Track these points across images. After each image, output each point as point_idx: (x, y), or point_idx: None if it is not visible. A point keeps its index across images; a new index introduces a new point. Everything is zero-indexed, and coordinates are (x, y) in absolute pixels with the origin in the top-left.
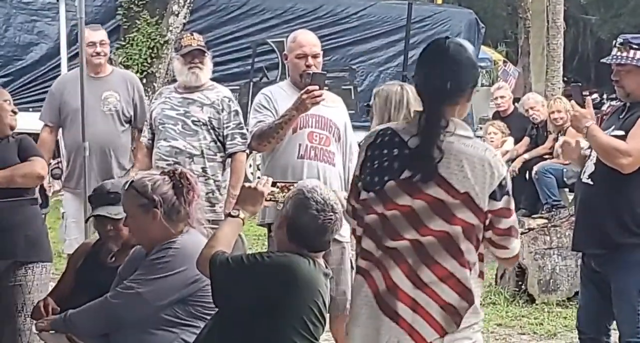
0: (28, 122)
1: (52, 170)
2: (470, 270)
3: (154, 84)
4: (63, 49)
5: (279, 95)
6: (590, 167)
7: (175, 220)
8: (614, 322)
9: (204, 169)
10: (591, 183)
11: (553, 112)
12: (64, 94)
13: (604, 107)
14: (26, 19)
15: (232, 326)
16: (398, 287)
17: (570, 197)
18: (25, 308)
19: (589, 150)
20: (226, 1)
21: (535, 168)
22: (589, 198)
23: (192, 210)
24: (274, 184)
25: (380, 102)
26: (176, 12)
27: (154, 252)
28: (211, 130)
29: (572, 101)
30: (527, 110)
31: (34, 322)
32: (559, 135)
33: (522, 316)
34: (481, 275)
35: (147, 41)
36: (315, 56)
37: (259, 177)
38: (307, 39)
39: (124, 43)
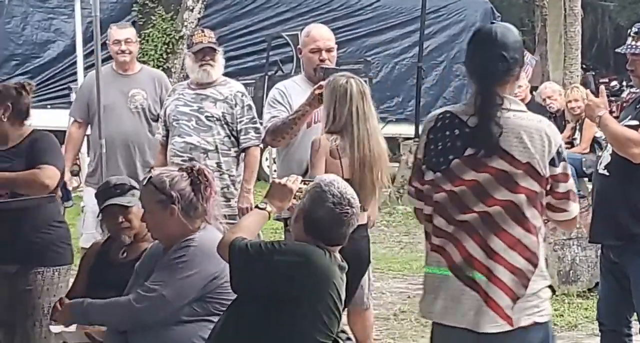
0: (46, 119)
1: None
2: (537, 235)
3: (170, 79)
4: (79, 46)
5: (293, 90)
6: (606, 157)
7: (192, 217)
8: (635, 314)
9: (218, 164)
10: (607, 174)
11: (570, 101)
12: (92, 90)
13: (624, 95)
14: (43, 17)
15: (247, 314)
16: (473, 257)
17: (590, 186)
18: (35, 313)
19: (605, 140)
20: None
21: None
22: (605, 189)
23: (210, 206)
24: (303, 182)
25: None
26: (191, 7)
27: (173, 251)
28: (225, 126)
29: (588, 90)
30: (544, 100)
31: (49, 324)
32: (577, 124)
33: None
34: (545, 239)
35: (163, 37)
36: (329, 50)
37: (275, 171)
38: (321, 33)
39: (139, 39)
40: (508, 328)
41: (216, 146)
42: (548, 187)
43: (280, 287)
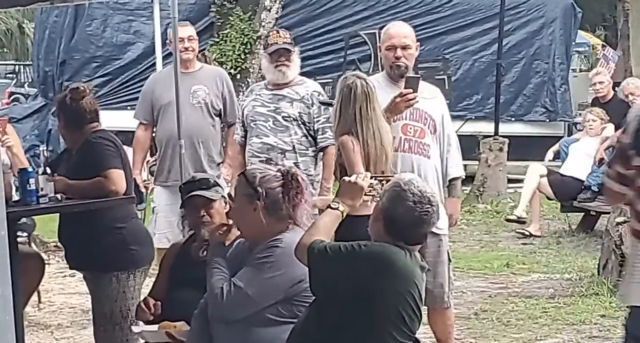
0: (126, 120)
1: (150, 167)
2: None
3: (248, 79)
4: (158, 47)
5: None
6: None
7: (274, 217)
8: None
9: (296, 164)
10: None
11: None
12: (154, 91)
13: None
14: (123, 19)
15: (328, 315)
16: None
17: None
18: (114, 317)
19: None
20: None
21: None
22: None
23: (297, 212)
24: (372, 178)
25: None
26: (268, 7)
27: (260, 250)
28: (302, 125)
29: None
30: (626, 96)
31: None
32: None
33: (627, 307)
34: None
35: (241, 37)
36: (405, 48)
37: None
38: (397, 31)
39: (217, 40)
40: None
41: (293, 146)
42: None
43: (361, 289)
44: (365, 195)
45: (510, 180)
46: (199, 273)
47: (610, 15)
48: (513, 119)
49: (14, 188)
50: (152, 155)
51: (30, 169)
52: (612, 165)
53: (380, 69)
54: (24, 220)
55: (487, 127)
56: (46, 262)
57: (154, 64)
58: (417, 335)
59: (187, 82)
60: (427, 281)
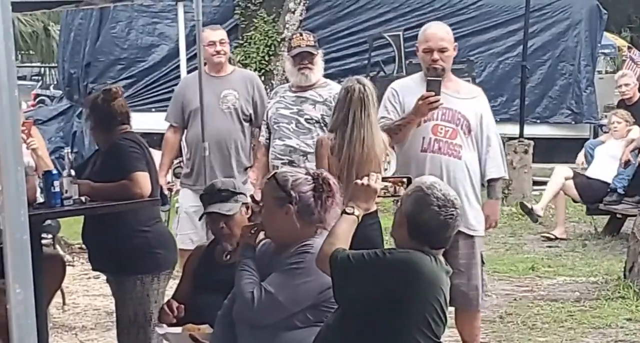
0: (151, 122)
1: (174, 169)
2: None
3: (272, 81)
4: (182, 50)
5: (407, 90)
6: None
7: (306, 221)
8: None
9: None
10: None
11: None
12: (186, 94)
13: None
14: (147, 21)
15: (352, 323)
16: None
17: None
18: (138, 319)
19: None
20: None
21: None
22: None
23: (328, 216)
24: (384, 179)
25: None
26: (292, 10)
27: (291, 255)
28: (324, 128)
29: None
30: None
31: (154, 327)
32: None
33: None
34: None
35: (265, 39)
36: (441, 50)
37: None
38: (434, 33)
39: (242, 42)
40: None
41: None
42: None
43: (387, 297)
44: (378, 197)
45: (535, 183)
46: (223, 276)
47: (636, 16)
48: (538, 121)
49: (38, 190)
50: (175, 158)
51: (54, 171)
52: None
53: (404, 71)
54: (48, 222)
55: (512, 129)
56: (70, 263)
57: (178, 66)
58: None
59: (218, 86)
60: (461, 283)
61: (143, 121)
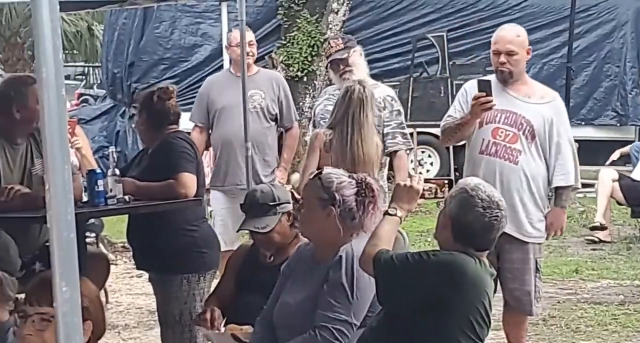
0: None
1: None
2: None
3: (315, 81)
4: (225, 50)
5: (476, 90)
6: None
7: (347, 225)
8: None
9: None
10: None
11: None
12: (210, 94)
13: None
14: (190, 21)
15: (395, 326)
16: None
17: None
18: (183, 319)
19: None
20: None
21: None
22: None
23: (368, 221)
24: (426, 181)
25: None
26: (336, 10)
27: (335, 269)
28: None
29: None
30: None
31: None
32: None
33: None
34: None
35: (308, 39)
36: (509, 53)
37: (422, 172)
38: (502, 36)
39: (284, 42)
40: None
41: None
42: None
43: (431, 299)
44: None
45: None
46: (266, 277)
47: None
48: (583, 123)
49: (83, 189)
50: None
51: (98, 170)
52: None
53: (447, 72)
54: (92, 220)
55: None
56: (113, 262)
57: (222, 66)
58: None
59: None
60: (515, 288)
61: (186, 121)
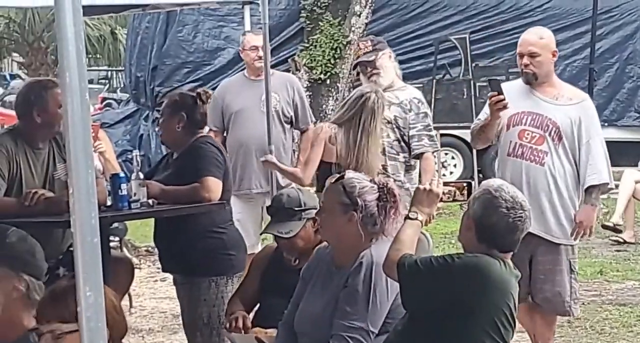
0: None
1: None
2: None
3: (338, 84)
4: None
5: (505, 92)
6: None
7: (368, 230)
8: None
9: (384, 167)
10: None
11: None
12: (225, 98)
13: None
14: (213, 24)
15: (421, 329)
16: None
17: None
18: (211, 322)
19: None
20: None
21: None
22: None
23: (389, 226)
24: (446, 184)
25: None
26: (358, 13)
27: (353, 275)
28: (396, 129)
29: None
30: None
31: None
32: None
33: None
34: None
35: (330, 42)
36: (532, 55)
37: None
38: (526, 38)
39: (307, 45)
40: None
41: (384, 148)
42: None
43: (456, 301)
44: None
45: None
46: (291, 280)
47: None
48: (606, 124)
49: (107, 193)
50: None
51: (122, 174)
52: None
53: (470, 74)
54: (115, 224)
55: None
56: (137, 266)
57: (244, 70)
58: None
59: (258, 89)
60: (546, 289)
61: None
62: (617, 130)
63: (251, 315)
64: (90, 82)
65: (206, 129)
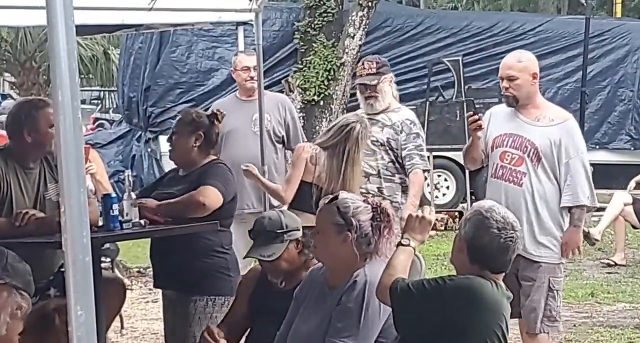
0: None
1: None
2: None
3: (331, 106)
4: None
5: (494, 115)
6: None
7: (362, 250)
8: None
9: (379, 189)
10: None
11: None
12: None
13: None
14: (207, 45)
15: None
16: None
17: None
18: (187, 342)
19: None
20: (401, 22)
21: None
22: None
23: (383, 245)
24: (438, 212)
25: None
26: (352, 34)
27: (346, 293)
28: (389, 151)
29: None
30: None
31: None
32: None
33: None
34: None
35: (324, 64)
36: (510, 78)
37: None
38: (505, 61)
39: (301, 66)
40: None
41: (378, 171)
42: None
43: (448, 323)
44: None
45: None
46: (279, 304)
47: None
48: (597, 147)
49: (98, 214)
50: None
51: (113, 195)
52: None
53: (463, 96)
54: (107, 245)
55: None
56: (129, 287)
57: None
58: None
59: (249, 109)
60: (524, 305)
61: None
62: (609, 153)
63: (243, 340)
64: (83, 102)
65: None
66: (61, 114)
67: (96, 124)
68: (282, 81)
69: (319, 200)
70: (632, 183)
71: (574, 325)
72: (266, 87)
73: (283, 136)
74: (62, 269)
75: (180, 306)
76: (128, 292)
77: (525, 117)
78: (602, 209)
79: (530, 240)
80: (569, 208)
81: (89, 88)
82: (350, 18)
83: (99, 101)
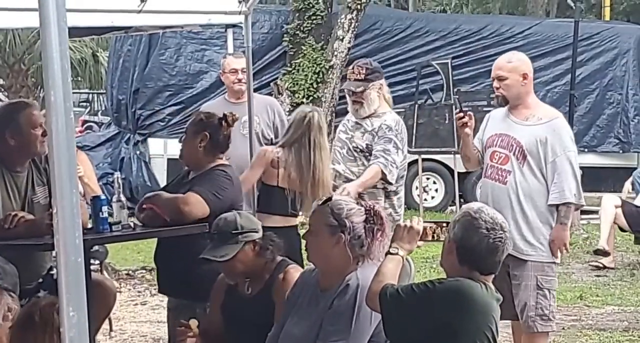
0: None
1: None
2: None
3: (320, 109)
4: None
5: (492, 117)
6: None
7: (355, 252)
8: None
9: (360, 195)
10: None
11: None
12: None
13: None
14: (196, 48)
15: None
16: None
17: None
18: None
19: None
20: (390, 24)
21: None
22: None
23: (375, 248)
24: (427, 222)
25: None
26: (341, 37)
27: (338, 297)
28: (369, 157)
29: None
30: None
31: None
32: None
33: None
34: None
35: (313, 66)
36: (500, 79)
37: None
38: (496, 62)
39: (290, 69)
40: None
41: (359, 177)
42: None
43: (438, 326)
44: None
45: (583, 212)
46: (248, 309)
47: None
48: (586, 150)
49: (88, 216)
50: None
51: (103, 197)
52: None
53: (452, 99)
54: (96, 247)
55: None
56: (118, 290)
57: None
58: None
59: (238, 111)
60: (515, 304)
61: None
62: (597, 156)
63: None
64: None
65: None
66: (53, 114)
67: (85, 126)
68: (271, 84)
69: (294, 201)
70: (628, 185)
71: (563, 328)
72: (255, 90)
73: (272, 139)
74: (52, 272)
75: (185, 313)
76: (117, 294)
77: (516, 117)
78: (591, 212)
79: (517, 238)
80: (556, 206)
81: (77, 90)
82: (339, 21)
83: (88, 104)
